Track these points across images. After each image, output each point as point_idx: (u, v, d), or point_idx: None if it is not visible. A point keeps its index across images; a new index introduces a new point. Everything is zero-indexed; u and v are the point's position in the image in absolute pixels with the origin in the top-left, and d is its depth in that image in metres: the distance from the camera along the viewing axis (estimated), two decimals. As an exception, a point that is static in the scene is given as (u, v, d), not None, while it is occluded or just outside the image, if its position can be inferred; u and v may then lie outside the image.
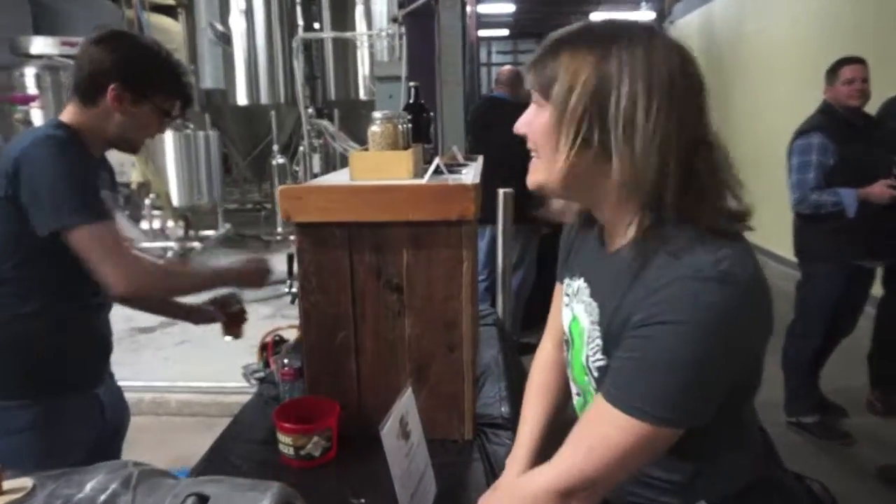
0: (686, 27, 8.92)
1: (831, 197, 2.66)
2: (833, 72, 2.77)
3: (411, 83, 1.72)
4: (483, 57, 17.64)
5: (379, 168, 1.35)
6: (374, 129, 1.40)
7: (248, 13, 7.06)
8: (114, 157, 1.57)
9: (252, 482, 0.51)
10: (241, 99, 7.17)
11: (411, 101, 1.72)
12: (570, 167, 0.78)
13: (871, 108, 2.89)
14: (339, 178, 1.41)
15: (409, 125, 1.51)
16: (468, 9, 6.10)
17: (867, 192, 2.62)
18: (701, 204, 0.76)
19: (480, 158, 1.85)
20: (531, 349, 4.04)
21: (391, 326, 1.27)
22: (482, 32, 12.52)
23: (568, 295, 0.95)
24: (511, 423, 1.43)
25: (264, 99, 7.31)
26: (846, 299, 2.81)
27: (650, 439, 0.74)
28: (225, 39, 6.21)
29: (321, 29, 7.02)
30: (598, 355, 0.83)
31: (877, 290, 3.05)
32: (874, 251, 2.80)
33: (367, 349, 1.29)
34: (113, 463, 0.52)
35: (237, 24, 6.94)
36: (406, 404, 1.07)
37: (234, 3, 7.09)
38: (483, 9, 10.85)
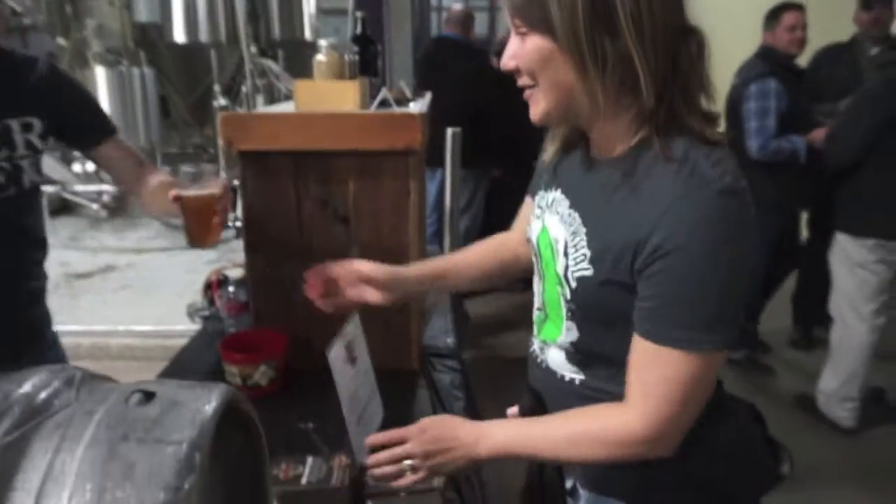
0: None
1: (789, 145, 2.68)
2: (774, 17, 2.79)
3: (358, 13, 1.67)
4: (434, 1, 17.19)
5: (324, 98, 1.32)
6: (320, 58, 1.37)
7: (184, -58, 6.60)
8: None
9: (199, 383, 0.51)
10: (180, 36, 6.78)
11: (358, 32, 1.67)
12: (581, 88, 0.75)
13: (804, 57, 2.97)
14: (284, 107, 1.38)
15: (356, 57, 1.48)
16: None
17: (812, 138, 2.67)
18: (688, 102, 0.77)
19: (429, 94, 1.83)
20: (477, 292, 4.11)
21: (338, 258, 1.27)
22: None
23: (540, 207, 0.93)
24: (456, 353, 1.47)
25: (204, 37, 6.92)
26: (788, 242, 2.96)
27: (711, 366, 0.76)
28: (159, -31, 5.84)
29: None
30: (583, 265, 0.81)
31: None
32: (809, 196, 2.93)
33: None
34: (53, 366, 0.51)
35: (172, -47, 6.50)
36: (352, 331, 1.08)
37: (168, -70, 6.61)
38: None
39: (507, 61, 0.80)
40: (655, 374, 0.77)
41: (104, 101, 5.21)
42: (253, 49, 5.98)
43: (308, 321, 1.31)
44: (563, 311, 0.87)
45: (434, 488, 0.94)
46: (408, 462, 0.87)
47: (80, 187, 4.92)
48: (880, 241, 2.35)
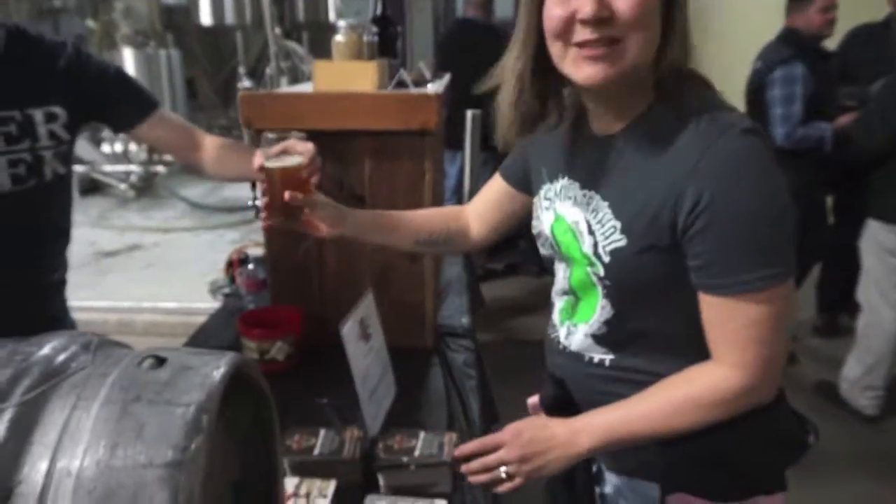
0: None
1: (815, 132, 2.60)
2: None
3: (379, -7, 1.67)
4: (459, -18, 17.01)
5: (342, 78, 1.33)
6: (339, 38, 1.38)
7: (211, -76, 6.63)
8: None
9: (210, 351, 0.53)
10: (206, 18, 6.85)
11: (378, 13, 1.68)
12: (658, 37, 0.74)
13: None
14: (303, 87, 1.40)
15: (376, 38, 1.48)
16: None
17: (839, 123, 2.58)
18: (687, 51, 0.77)
19: (448, 75, 1.83)
20: (496, 275, 4.13)
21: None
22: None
23: (548, 199, 0.92)
24: (470, 333, 1.49)
25: (230, 19, 6.99)
26: (814, 230, 2.89)
27: (785, 296, 0.75)
28: (184, -49, 5.88)
29: (289, -56, 6.67)
30: (615, 236, 0.80)
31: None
32: (834, 182, 2.86)
33: (330, 259, 1.31)
34: (71, 331, 0.54)
35: (200, -65, 6.53)
36: (366, 308, 1.10)
37: (196, -88, 6.64)
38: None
39: (600, 9, 0.71)
40: (736, 323, 0.76)
41: (132, 82, 5.31)
42: (277, 31, 6.02)
43: (324, 299, 1.34)
44: (598, 288, 0.85)
45: (444, 461, 0.95)
46: (503, 469, 0.85)
47: (108, 168, 5.04)
48: None
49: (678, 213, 0.74)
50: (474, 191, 2.34)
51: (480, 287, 2.86)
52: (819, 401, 2.69)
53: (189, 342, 1.41)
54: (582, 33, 0.73)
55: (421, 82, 1.61)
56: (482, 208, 1.09)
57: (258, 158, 0.98)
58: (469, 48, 3.08)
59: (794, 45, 2.68)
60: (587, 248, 0.83)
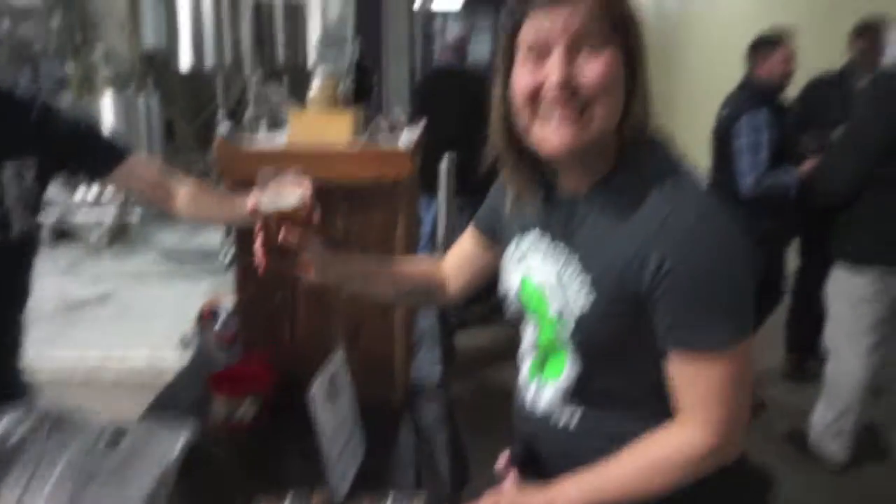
0: (639, 3, 9.03)
1: (782, 179, 2.65)
2: (769, 47, 2.75)
3: (354, 45, 1.71)
4: (438, 25, 17.47)
5: (318, 128, 1.34)
6: (315, 87, 1.40)
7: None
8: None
9: (166, 426, 0.53)
10: (186, 62, 6.90)
11: (355, 61, 1.71)
12: (623, 105, 0.77)
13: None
14: (276, 138, 1.41)
15: (352, 85, 1.51)
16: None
17: (804, 171, 2.64)
18: (648, 119, 0.80)
19: (423, 121, 1.87)
20: (471, 324, 4.10)
21: (325, 292, 1.29)
22: (437, 6, 12.36)
23: (520, 253, 0.93)
24: (442, 389, 1.48)
25: (210, 62, 7.05)
26: (774, 275, 2.95)
27: (746, 355, 0.77)
28: (166, -2, 5.96)
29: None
30: (584, 292, 0.81)
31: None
32: (797, 226, 2.92)
33: (301, 315, 1.30)
34: (26, 406, 0.53)
35: (181, -16, 6.62)
36: (336, 366, 1.09)
37: (178, -39, 6.74)
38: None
39: (567, 78, 0.73)
40: (701, 382, 0.78)
41: (111, 125, 5.31)
42: (257, 76, 6.08)
43: (296, 354, 1.33)
44: (567, 346, 0.86)
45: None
46: None
47: (81, 215, 4.97)
48: (883, 268, 2.29)
49: (643, 275, 0.76)
50: (448, 237, 2.35)
51: (454, 337, 2.85)
52: (789, 449, 2.69)
53: (157, 399, 1.38)
54: (550, 101, 0.75)
55: (396, 129, 1.64)
56: (456, 262, 1.09)
57: (253, 198, 0.91)
58: (443, 94, 3.14)
59: (757, 93, 2.75)
60: (556, 307, 0.85)
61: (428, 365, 1.56)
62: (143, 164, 1.29)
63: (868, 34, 2.97)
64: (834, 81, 3.12)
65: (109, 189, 5.31)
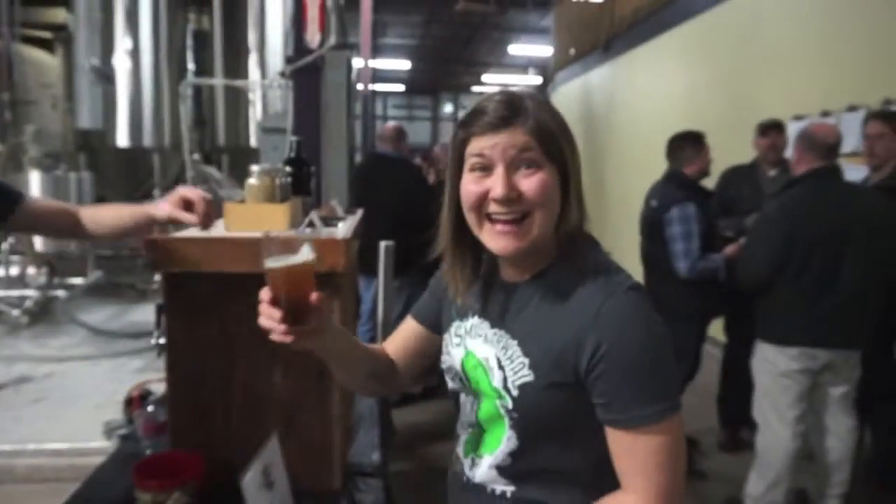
0: (567, 93, 9.65)
1: (713, 263, 2.89)
2: (699, 146, 3.04)
3: (292, 138, 1.77)
4: (379, 110, 18.02)
5: (254, 220, 1.37)
6: (252, 181, 1.44)
7: (135, 53, 6.82)
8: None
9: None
10: (123, 140, 6.85)
11: (293, 155, 1.76)
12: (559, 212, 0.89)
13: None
14: (214, 228, 1.42)
15: (289, 179, 1.55)
16: (362, 63, 6.27)
17: (728, 254, 2.90)
18: (582, 222, 0.91)
19: (360, 211, 1.92)
20: (413, 399, 4.09)
21: (261, 378, 1.28)
22: (379, 86, 12.84)
23: (459, 336, 1.00)
24: (381, 471, 1.46)
25: (148, 141, 7.02)
26: (697, 346, 3.11)
27: (679, 425, 0.86)
28: (105, 78, 5.97)
29: (212, 74, 6.90)
30: (524, 371, 0.89)
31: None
32: (725, 303, 3.12)
33: (236, 401, 1.28)
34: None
35: (122, 63, 6.68)
36: (270, 454, 1.08)
37: (120, 41, 6.84)
38: (379, 64, 11.17)
39: (508, 191, 0.85)
40: (638, 453, 0.85)
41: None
42: (196, 156, 6.08)
43: (229, 441, 1.30)
44: (506, 420, 0.92)
45: None
46: None
47: (1, 292, 4.71)
48: (804, 349, 2.44)
49: (580, 358, 0.85)
50: (388, 317, 2.37)
51: (393, 414, 2.82)
52: (728, 520, 2.74)
53: (77, 493, 1.30)
54: (494, 209, 0.87)
55: (333, 219, 1.68)
56: (399, 349, 1.13)
57: (267, 262, 0.87)
58: (380, 180, 3.24)
59: (684, 186, 3.00)
60: (497, 382, 0.91)
61: (366, 447, 1.54)
62: (39, 201, 1.35)
63: (770, 133, 3.34)
64: (744, 173, 3.43)
65: (31, 268, 5.09)
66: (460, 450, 1.02)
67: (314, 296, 0.86)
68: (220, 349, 1.26)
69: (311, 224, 1.35)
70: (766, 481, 2.59)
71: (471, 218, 0.91)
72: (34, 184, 5.08)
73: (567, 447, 0.91)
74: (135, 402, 1.77)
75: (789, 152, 3.33)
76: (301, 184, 1.73)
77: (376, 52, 9.69)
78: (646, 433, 0.84)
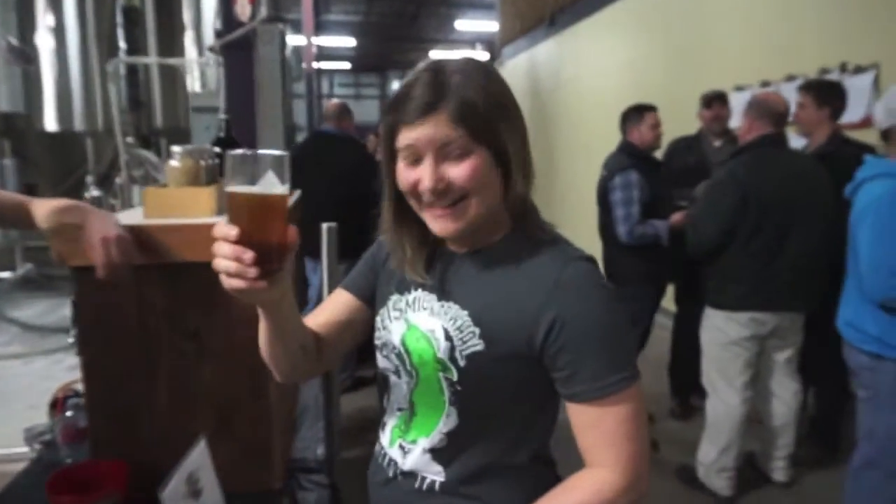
0: (514, 68, 9.59)
1: (651, 229, 2.97)
2: (638, 116, 3.09)
3: (221, 116, 1.65)
4: (325, 89, 17.61)
5: (176, 205, 1.27)
6: (173, 163, 1.33)
7: (58, 31, 6.40)
8: None
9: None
10: (51, 124, 6.47)
11: (222, 134, 1.65)
12: (503, 192, 0.85)
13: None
14: (131, 215, 1.31)
15: (216, 160, 1.44)
16: (305, 40, 6.06)
17: (674, 221, 2.96)
18: (528, 188, 0.88)
19: (296, 192, 1.82)
20: (368, 382, 4.01)
21: (188, 376, 1.18)
22: (324, 65, 12.51)
23: (399, 309, 0.95)
24: (325, 466, 1.39)
25: (79, 125, 6.64)
26: (648, 312, 3.15)
27: (640, 393, 0.84)
28: (24, 58, 5.59)
29: (146, 53, 6.56)
30: (473, 341, 0.85)
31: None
32: (672, 272, 3.18)
33: (162, 402, 1.19)
34: None
35: (45, 41, 6.27)
36: (196, 460, 0.99)
37: (41, 18, 6.40)
38: (323, 41, 10.85)
39: (436, 183, 0.81)
40: (605, 425, 0.83)
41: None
42: (130, 139, 5.79)
43: (154, 446, 1.20)
44: (446, 395, 0.88)
45: None
46: None
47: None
48: (754, 314, 2.48)
49: (536, 330, 0.83)
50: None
51: (344, 400, 2.74)
52: (680, 486, 2.79)
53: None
54: (427, 197, 0.84)
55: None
56: (326, 321, 1.01)
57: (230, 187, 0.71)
58: (323, 159, 3.12)
59: (629, 155, 3.06)
60: (442, 352, 0.87)
61: (310, 441, 1.47)
62: None
63: (714, 104, 3.38)
64: (690, 144, 3.47)
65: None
66: (385, 438, 0.97)
67: (291, 231, 0.72)
68: (140, 346, 1.16)
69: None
70: (717, 447, 2.64)
71: (411, 202, 0.88)
72: (-50, 172, 4.74)
73: (508, 429, 0.89)
74: (59, 404, 1.65)
75: (733, 123, 3.39)
76: (231, 165, 1.62)
77: (319, 28, 9.40)
78: (612, 403, 0.82)
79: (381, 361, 0.97)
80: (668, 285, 3.30)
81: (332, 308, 1.04)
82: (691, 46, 4.94)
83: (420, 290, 0.93)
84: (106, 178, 6.80)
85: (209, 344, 1.19)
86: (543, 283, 0.83)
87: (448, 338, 0.87)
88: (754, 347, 2.54)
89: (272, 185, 0.71)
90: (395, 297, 0.96)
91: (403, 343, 0.92)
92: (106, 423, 1.18)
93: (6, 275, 5.14)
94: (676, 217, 2.97)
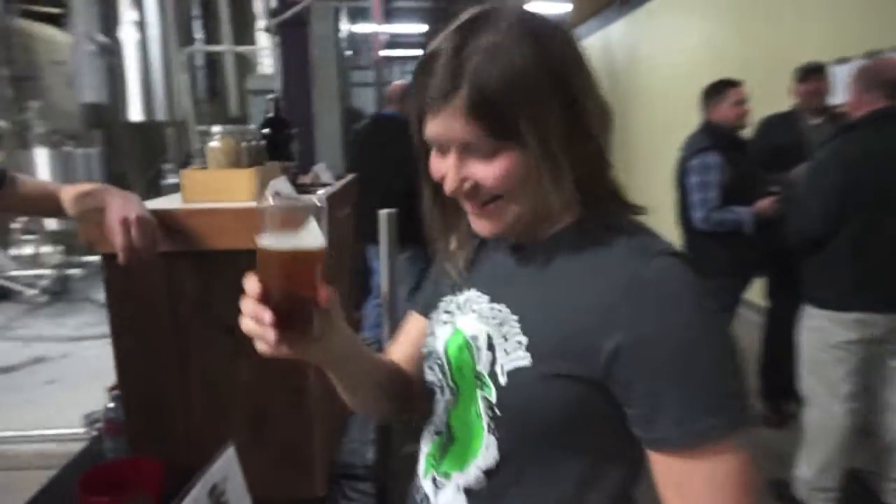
0: (589, 49, 9.21)
1: (732, 215, 2.73)
2: (719, 93, 2.84)
3: (269, 96, 1.57)
4: (397, 77, 17.68)
5: (215, 189, 1.18)
6: (213, 144, 1.24)
7: (141, 25, 6.65)
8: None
9: None
10: (136, 115, 6.75)
11: (270, 114, 1.57)
12: (551, 187, 0.66)
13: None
14: (170, 201, 1.24)
15: (261, 141, 1.36)
16: (374, 28, 6.01)
17: (760, 207, 2.70)
18: (602, 174, 0.71)
19: (349, 177, 1.72)
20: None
21: (223, 373, 1.10)
22: (395, 52, 12.50)
23: (448, 312, 0.80)
24: (376, 473, 1.29)
25: (160, 115, 6.90)
26: (729, 307, 2.89)
27: (744, 447, 0.62)
28: (107, 51, 5.83)
29: (220, 43, 6.74)
30: (519, 353, 0.67)
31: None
32: (763, 264, 2.90)
33: (196, 399, 1.11)
34: None
35: (129, 35, 6.52)
36: (222, 470, 0.90)
37: (125, 13, 6.67)
38: (395, 29, 10.82)
39: (459, 184, 0.67)
40: (693, 487, 0.62)
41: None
42: (205, 128, 5.92)
43: (190, 445, 1.13)
44: (484, 421, 0.70)
45: None
46: None
47: (17, 272, 4.68)
48: (861, 314, 2.18)
49: (600, 349, 0.63)
50: (394, 292, 2.18)
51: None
52: (773, 499, 2.53)
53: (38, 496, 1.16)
54: (454, 195, 0.69)
55: (311, 185, 1.49)
56: (405, 353, 0.90)
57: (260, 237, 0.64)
58: (385, 144, 3.02)
59: (710, 136, 2.83)
60: (482, 365, 0.70)
61: (358, 445, 1.37)
62: (25, 178, 1.19)
63: (811, 78, 3.04)
64: (783, 122, 3.16)
65: (46, 247, 5.04)
66: (421, 468, 0.80)
67: (323, 293, 0.63)
68: (172, 340, 1.08)
69: (276, 193, 1.15)
70: (817, 464, 2.35)
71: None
72: (41, 161, 5.01)
73: (563, 480, 0.68)
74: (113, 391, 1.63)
75: (836, 99, 3.05)
76: (281, 147, 1.54)
77: (389, 16, 9.35)
78: (705, 457, 0.61)
79: (427, 373, 0.81)
80: (753, 277, 3.02)
81: (405, 336, 0.91)
82: (779, 15, 4.51)
83: (472, 289, 0.78)
84: (185, 166, 6.98)
85: (245, 339, 1.09)
86: (613, 284, 0.64)
87: (490, 346, 0.70)
88: (861, 352, 2.23)
89: (307, 236, 0.63)
90: (447, 298, 0.81)
91: (447, 349, 0.77)
92: (140, 419, 1.12)
93: (93, 259, 5.40)
94: (764, 203, 2.71)
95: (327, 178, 1.59)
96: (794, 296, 2.43)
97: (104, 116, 6.78)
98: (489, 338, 0.71)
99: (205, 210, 1.06)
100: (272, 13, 2.07)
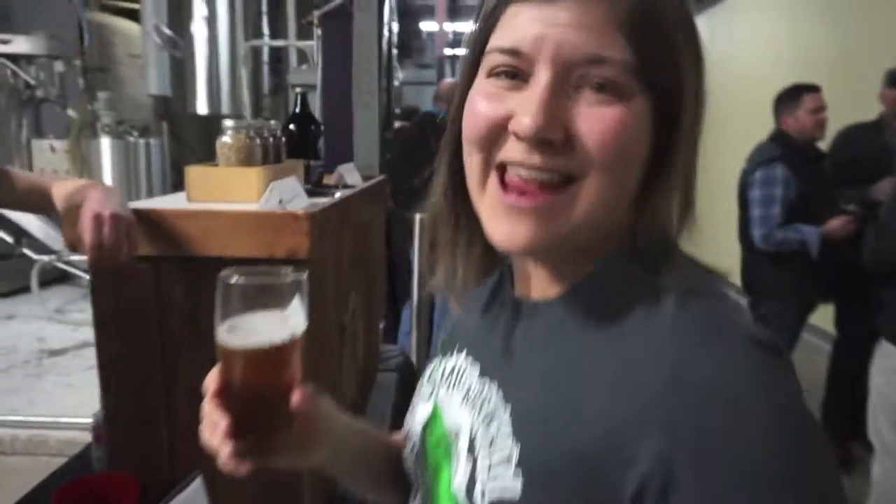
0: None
1: (796, 235, 2.51)
2: (794, 99, 2.61)
3: (297, 90, 1.50)
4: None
5: (221, 187, 1.11)
6: (225, 139, 1.17)
7: (211, 20, 6.81)
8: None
9: None
10: (202, 108, 6.92)
11: (297, 109, 1.49)
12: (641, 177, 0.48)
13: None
14: (174, 199, 1.17)
15: (280, 137, 1.28)
16: (437, 26, 5.93)
17: (829, 229, 2.47)
18: (684, 218, 0.49)
19: (378, 179, 1.62)
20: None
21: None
22: (459, 51, 12.43)
23: (433, 381, 0.62)
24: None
25: (225, 109, 7.05)
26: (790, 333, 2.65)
27: None
28: (172, 44, 5.97)
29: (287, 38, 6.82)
30: (506, 472, 0.47)
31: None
32: (830, 289, 2.65)
33: (182, 413, 1.03)
34: None
35: (199, 30, 6.69)
36: (187, 499, 0.81)
37: (197, 9, 6.84)
38: (459, 27, 10.74)
39: (546, 122, 0.44)
40: None
41: (106, 172, 5.25)
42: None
43: (173, 464, 1.05)
44: None
45: None
46: None
47: (74, 256, 4.84)
48: None
49: (631, 468, 0.41)
50: (422, 299, 2.09)
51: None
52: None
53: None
54: (513, 154, 0.46)
55: (334, 188, 1.40)
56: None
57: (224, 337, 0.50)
58: (432, 142, 2.92)
59: (779, 146, 2.60)
60: (459, 480, 0.51)
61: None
62: (16, 172, 1.15)
63: None
64: (867, 132, 2.86)
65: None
66: None
67: (296, 396, 0.49)
68: (159, 350, 1.00)
69: (282, 192, 1.06)
70: (888, 522, 2.11)
71: (472, 166, 0.49)
72: (105, 151, 5.17)
73: None
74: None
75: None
76: (306, 144, 1.46)
77: (454, 14, 9.27)
78: None
79: (406, 459, 0.63)
80: (818, 303, 2.77)
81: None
82: (868, 12, 4.15)
83: (462, 352, 0.59)
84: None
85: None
86: (654, 376, 0.42)
87: (471, 451, 0.50)
88: (945, 395, 1.98)
89: (280, 323, 0.49)
90: (436, 360, 0.64)
91: (423, 440, 0.59)
92: (122, 432, 1.05)
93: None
94: (834, 224, 2.47)
95: (353, 179, 1.50)
96: (866, 327, 2.19)
97: (172, 108, 6.99)
98: (471, 439, 0.51)
99: (197, 212, 0.98)
100: (315, 4, 2.01)
